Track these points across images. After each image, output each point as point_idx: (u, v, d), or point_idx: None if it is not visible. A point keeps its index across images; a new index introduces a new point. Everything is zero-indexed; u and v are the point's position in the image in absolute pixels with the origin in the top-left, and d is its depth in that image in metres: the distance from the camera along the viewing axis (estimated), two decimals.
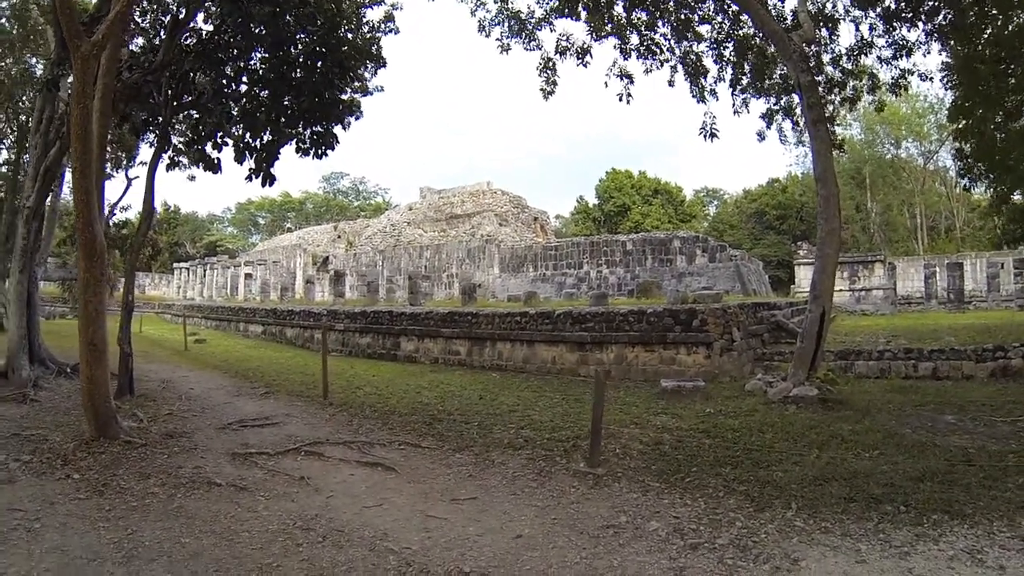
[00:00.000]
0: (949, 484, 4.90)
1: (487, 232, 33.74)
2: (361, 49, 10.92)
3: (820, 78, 11.63)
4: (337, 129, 10.87)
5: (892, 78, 11.06)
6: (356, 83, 11.16)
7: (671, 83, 12.07)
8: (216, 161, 10.68)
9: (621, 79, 11.72)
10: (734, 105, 12.53)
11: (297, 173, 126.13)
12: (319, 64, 10.22)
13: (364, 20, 11.00)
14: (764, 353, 12.20)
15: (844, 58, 11.33)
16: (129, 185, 11.32)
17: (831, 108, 12.02)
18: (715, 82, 11.94)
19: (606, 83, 11.77)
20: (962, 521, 4.27)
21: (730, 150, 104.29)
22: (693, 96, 11.83)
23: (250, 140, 10.46)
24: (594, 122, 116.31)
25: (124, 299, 10.77)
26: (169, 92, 10.13)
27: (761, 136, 12.76)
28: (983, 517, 4.32)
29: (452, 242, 34.70)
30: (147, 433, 7.31)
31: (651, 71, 11.95)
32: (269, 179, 10.42)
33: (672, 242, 25.72)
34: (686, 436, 6.88)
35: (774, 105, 12.41)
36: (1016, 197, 12.42)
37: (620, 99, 11.64)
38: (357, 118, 11.33)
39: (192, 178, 17.73)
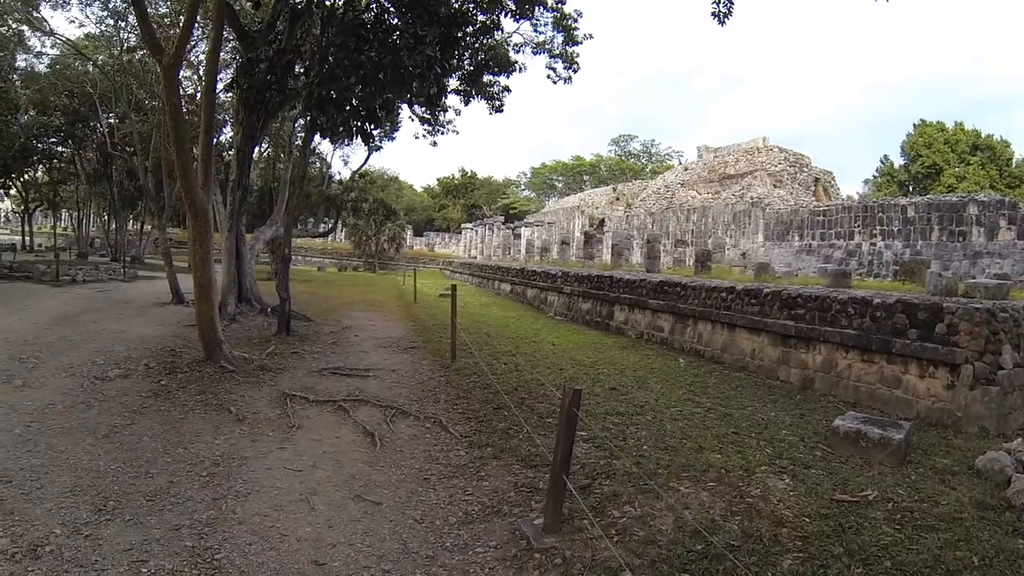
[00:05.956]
0: None
1: (757, 194, 29.48)
2: None
3: None
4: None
5: None
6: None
7: None
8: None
9: None
10: None
11: (586, 138, 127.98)
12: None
13: None
14: None
15: None
16: (369, 154, 13.18)
17: None
18: None
19: None
20: None
21: None
22: None
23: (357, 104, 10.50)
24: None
25: (281, 253, 11.90)
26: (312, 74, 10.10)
27: None
28: None
29: (719, 205, 31.30)
30: (248, 364, 7.94)
31: None
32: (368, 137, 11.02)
33: (967, 208, 18.15)
34: (769, 531, 3.82)
35: None
36: None
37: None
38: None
39: (434, 144, 19.73)
